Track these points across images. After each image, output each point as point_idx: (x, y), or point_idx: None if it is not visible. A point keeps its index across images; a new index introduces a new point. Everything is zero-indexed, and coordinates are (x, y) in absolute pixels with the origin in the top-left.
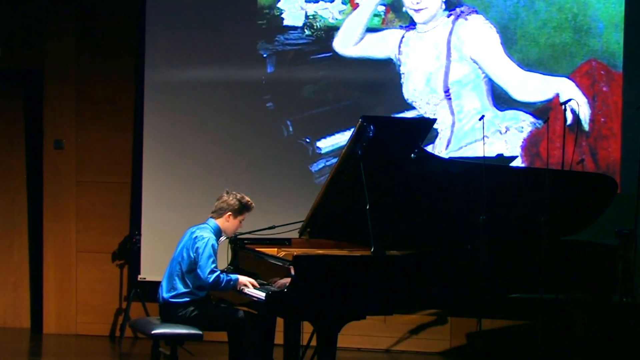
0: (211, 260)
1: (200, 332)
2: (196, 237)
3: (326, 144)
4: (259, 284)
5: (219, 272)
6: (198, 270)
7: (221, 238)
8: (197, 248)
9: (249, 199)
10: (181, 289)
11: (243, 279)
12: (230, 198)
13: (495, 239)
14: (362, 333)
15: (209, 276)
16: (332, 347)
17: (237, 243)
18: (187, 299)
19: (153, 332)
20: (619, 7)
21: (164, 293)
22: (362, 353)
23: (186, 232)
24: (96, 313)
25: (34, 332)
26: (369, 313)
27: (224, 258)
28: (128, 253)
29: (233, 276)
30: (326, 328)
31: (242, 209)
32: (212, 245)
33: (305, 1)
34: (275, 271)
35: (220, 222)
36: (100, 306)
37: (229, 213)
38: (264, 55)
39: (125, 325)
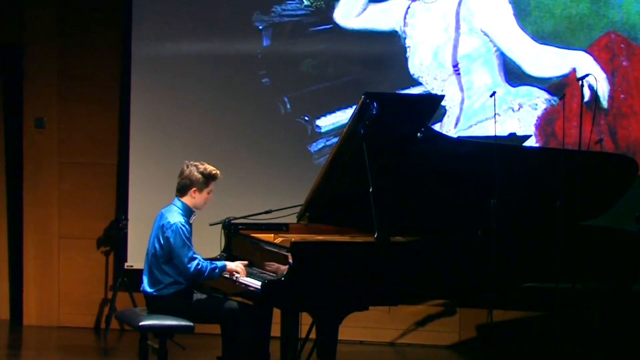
0: (186, 247)
1: (191, 324)
2: (163, 224)
3: (326, 123)
4: (254, 272)
5: (199, 259)
6: (176, 262)
7: (193, 215)
8: (168, 238)
9: (212, 168)
10: (164, 280)
11: (232, 265)
12: (192, 171)
13: (508, 224)
14: (364, 325)
15: (189, 266)
16: (332, 340)
17: (231, 229)
18: (173, 290)
19: (141, 324)
20: None
21: (147, 288)
22: (364, 346)
23: (157, 216)
24: (80, 304)
25: (13, 324)
26: (372, 304)
27: (217, 245)
28: (114, 239)
29: (219, 263)
30: (326, 320)
31: (207, 180)
32: (182, 231)
33: None
34: (271, 258)
35: (186, 200)
36: (84, 296)
37: (194, 189)
38: (260, 28)
39: (111, 316)
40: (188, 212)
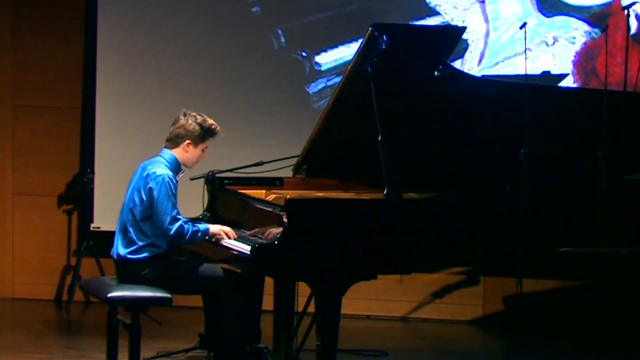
0: (171, 204)
1: (168, 296)
2: (148, 174)
3: (327, 59)
4: (242, 235)
5: (182, 220)
6: (155, 219)
7: (180, 173)
8: (151, 190)
9: (212, 122)
10: (140, 241)
11: (215, 228)
12: (189, 122)
13: (540, 178)
14: (372, 297)
15: (170, 227)
16: (334, 315)
17: (216, 184)
18: (148, 254)
19: (109, 295)
20: None
21: (119, 249)
22: (372, 321)
23: (137, 168)
24: (38, 272)
25: None
26: (382, 272)
27: (199, 202)
28: (78, 196)
29: (202, 226)
30: (327, 291)
31: (204, 134)
32: (169, 184)
33: None
34: (263, 219)
35: (177, 152)
36: (43, 263)
37: (188, 141)
38: None
39: (75, 286)
40: (176, 167)
